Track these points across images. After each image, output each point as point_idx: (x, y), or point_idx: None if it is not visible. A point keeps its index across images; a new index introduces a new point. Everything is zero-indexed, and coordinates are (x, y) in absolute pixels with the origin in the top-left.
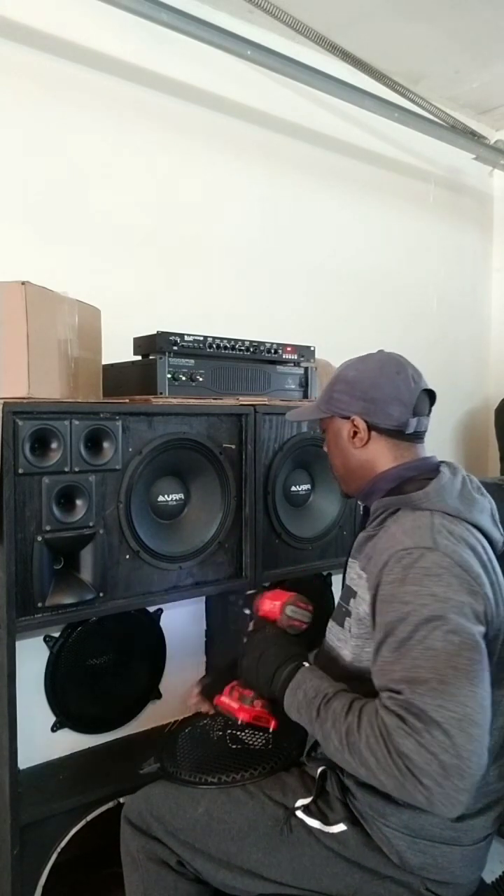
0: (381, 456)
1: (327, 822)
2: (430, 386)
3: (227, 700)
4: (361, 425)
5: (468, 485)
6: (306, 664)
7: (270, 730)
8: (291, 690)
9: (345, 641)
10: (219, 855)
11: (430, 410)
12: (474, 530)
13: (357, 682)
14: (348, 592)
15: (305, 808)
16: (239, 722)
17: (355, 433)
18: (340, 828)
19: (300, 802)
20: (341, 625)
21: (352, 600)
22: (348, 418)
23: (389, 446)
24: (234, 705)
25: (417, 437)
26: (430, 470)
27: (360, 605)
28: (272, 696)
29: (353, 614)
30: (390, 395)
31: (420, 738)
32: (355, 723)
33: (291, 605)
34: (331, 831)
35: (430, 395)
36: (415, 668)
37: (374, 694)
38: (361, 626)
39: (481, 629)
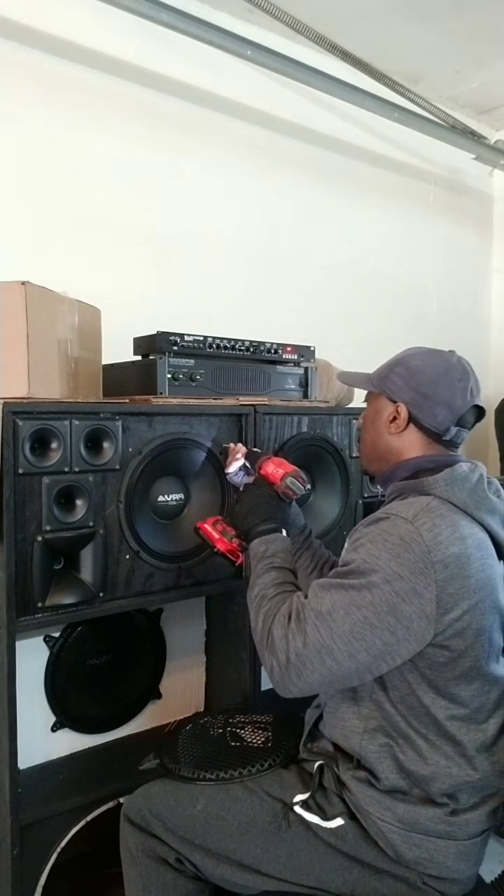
0: (410, 448)
1: (325, 817)
2: (482, 403)
3: (210, 529)
4: (403, 414)
5: (483, 483)
6: (283, 532)
7: (237, 563)
8: (261, 541)
9: None
10: (217, 851)
11: (473, 425)
12: (476, 527)
13: None
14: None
15: (303, 804)
16: (215, 550)
17: (394, 419)
18: (338, 822)
19: (298, 798)
20: None
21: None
22: (395, 402)
23: (422, 442)
24: (216, 535)
25: (452, 444)
26: (449, 464)
27: (343, 554)
28: (247, 540)
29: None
30: (443, 397)
31: (288, 632)
32: (270, 595)
33: (292, 477)
34: (329, 826)
35: (480, 412)
36: (326, 590)
37: None
38: None
39: (409, 609)
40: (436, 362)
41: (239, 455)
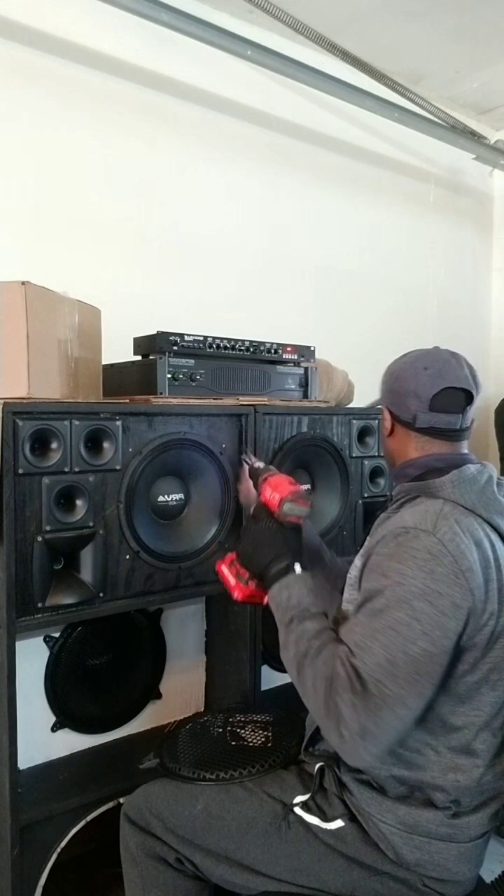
0: (405, 447)
1: (325, 819)
2: (469, 386)
3: (227, 573)
4: (388, 416)
5: (492, 485)
6: (297, 566)
7: (264, 604)
8: (279, 588)
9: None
10: (217, 851)
11: (464, 410)
12: (488, 528)
13: None
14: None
15: (304, 805)
16: (235, 598)
17: (387, 423)
18: (338, 824)
19: (298, 799)
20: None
21: (353, 568)
22: (385, 408)
23: (410, 438)
24: (232, 581)
25: (441, 433)
26: (458, 464)
27: (353, 571)
28: (264, 582)
29: (348, 582)
30: (410, 388)
31: (354, 699)
32: (314, 653)
33: (289, 502)
34: (329, 828)
35: (466, 394)
36: (373, 637)
37: None
38: (352, 589)
39: (453, 624)
40: (406, 360)
41: (245, 463)
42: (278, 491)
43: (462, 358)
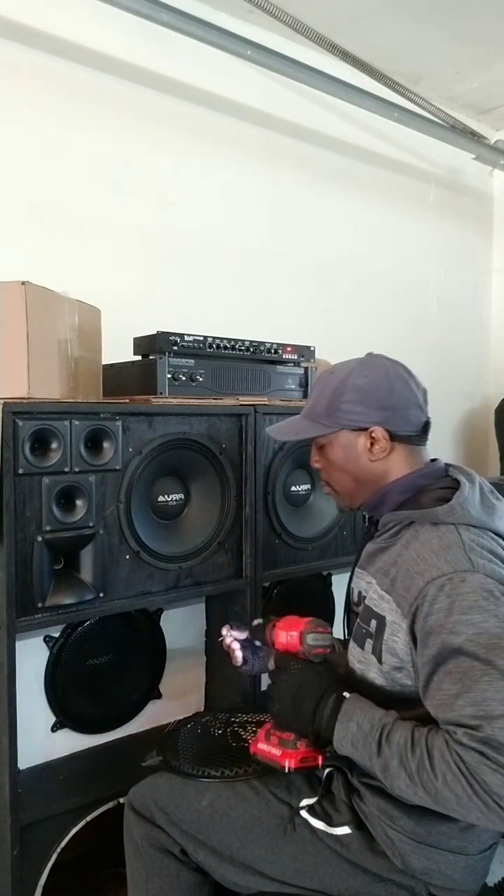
0: (399, 464)
1: (331, 824)
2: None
3: (267, 748)
4: (382, 435)
5: (485, 492)
6: (347, 693)
7: (319, 766)
8: (342, 723)
9: (367, 665)
10: (221, 848)
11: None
12: (496, 538)
13: (397, 706)
14: (369, 614)
15: (310, 809)
16: (286, 770)
17: (373, 444)
18: (344, 830)
19: (305, 802)
20: (362, 647)
21: (374, 623)
22: (364, 429)
23: (407, 453)
24: (277, 752)
25: (422, 440)
26: (440, 476)
27: (396, 637)
28: (317, 733)
29: (385, 646)
30: (409, 400)
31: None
32: (426, 761)
33: (311, 633)
34: (334, 833)
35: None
36: (485, 701)
37: (420, 718)
38: (394, 657)
39: None
40: (376, 373)
41: (233, 644)
42: (294, 628)
43: None
